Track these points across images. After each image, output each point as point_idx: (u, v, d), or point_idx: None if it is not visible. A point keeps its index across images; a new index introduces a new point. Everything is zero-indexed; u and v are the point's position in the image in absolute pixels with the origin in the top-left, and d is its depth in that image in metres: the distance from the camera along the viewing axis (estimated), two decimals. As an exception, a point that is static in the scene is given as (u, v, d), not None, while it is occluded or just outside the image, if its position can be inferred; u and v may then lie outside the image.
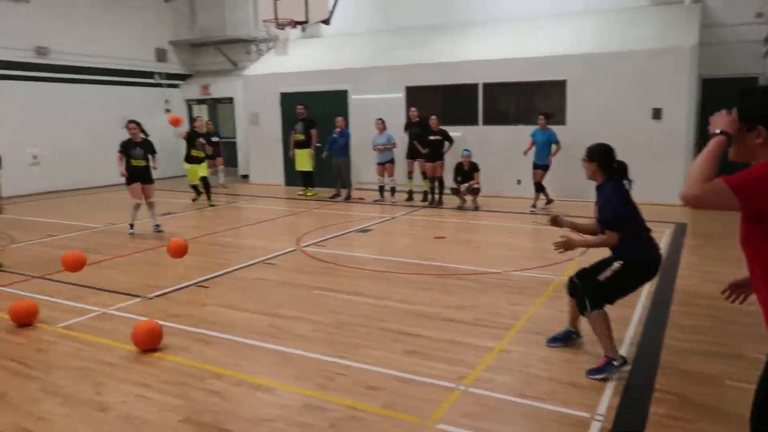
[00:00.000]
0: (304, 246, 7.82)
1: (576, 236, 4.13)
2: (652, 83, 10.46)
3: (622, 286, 3.96)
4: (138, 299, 5.63)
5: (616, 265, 3.92)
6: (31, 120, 13.14)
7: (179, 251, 5.60)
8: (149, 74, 16.29)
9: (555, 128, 11.13)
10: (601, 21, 11.68)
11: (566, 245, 3.93)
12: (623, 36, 11.06)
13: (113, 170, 15.00)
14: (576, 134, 11.09)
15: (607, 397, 3.60)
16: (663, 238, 7.82)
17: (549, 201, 10.55)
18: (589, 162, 4.03)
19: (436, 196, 11.12)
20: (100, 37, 14.84)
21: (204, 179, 11.73)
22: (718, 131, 1.97)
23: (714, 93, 11.34)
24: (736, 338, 4.47)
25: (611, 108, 10.78)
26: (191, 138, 11.71)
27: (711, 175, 1.88)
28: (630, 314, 5.02)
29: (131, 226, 8.75)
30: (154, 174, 8.92)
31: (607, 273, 3.92)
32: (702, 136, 11.15)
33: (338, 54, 14.01)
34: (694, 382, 3.78)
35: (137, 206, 8.70)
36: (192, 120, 11.60)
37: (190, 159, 11.72)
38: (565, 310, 5.15)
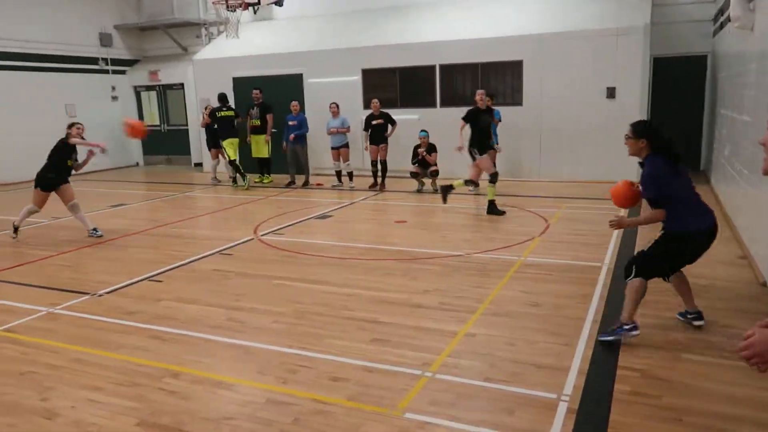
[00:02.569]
0: (262, 235, 7.62)
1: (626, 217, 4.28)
2: (606, 63, 10.56)
3: (665, 259, 4.04)
4: (87, 296, 5.36)
5: (659, 238, 4.08)
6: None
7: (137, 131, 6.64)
8: (93, 60, 15.58)
9: (512, 109, 11.19)
10: (555, 1, 11.71)
11: (618, 224, 4.14)
12: (577, 16, 11.11)
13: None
14: (533, 114, 11.18)
15: (573, 377, 3.59)
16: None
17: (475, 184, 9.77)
18: (636, 139, 4.07)
19: (379, 179, 11.03)
20: (40, 23, 14.04)
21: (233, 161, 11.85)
22: None
23: (665, 71, 11.57)
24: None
25: (566, 88, 10.85)
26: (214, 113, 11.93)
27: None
28: (591, 291, 5.06)
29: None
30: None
31: (651, 246, 4.09)
32: (653, 116, 11.42)
33: (292, 37, 13.67)
34: (655, 357, 3.81)
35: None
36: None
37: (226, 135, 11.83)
38: (527, 290, 5.18)
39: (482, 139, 8.48)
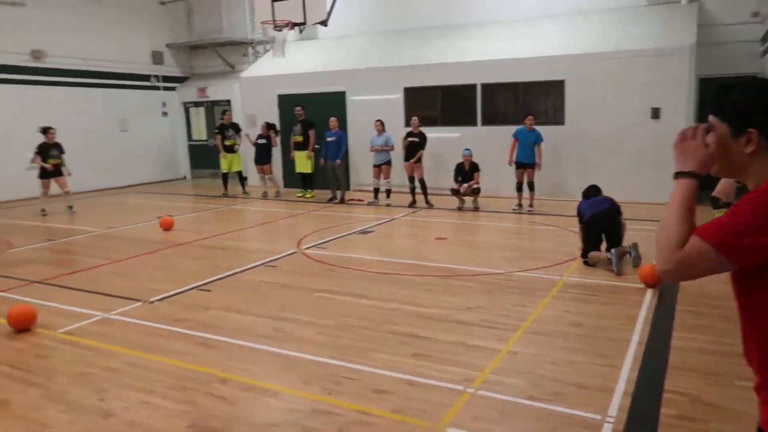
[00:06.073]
0: (306, 248, 7.77)
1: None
2: (651, 83, 10.44)
3: None
4: (139, 303, 5.57)
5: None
6: (27, 124, 13.03)
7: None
8: (146, 77, 16.23)
9: (554, 128, 11.13)
10: (600, 21, 11.67)
11: None
12: (621, 36, 11.04)
13: (111, 173, 15.00)
14: (575, 134, 11.11)
15: (618, 398, 3.56)
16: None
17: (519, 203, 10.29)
18: None
19: (419, 197, 11.07)
20: (96, 41, 14.77)
21: (239, 172, 13.50)
22: (686, 170, 1.53)
23: (712, 92, 11.35)
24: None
25: (609, 108, 10.76)
26: (222, 129, 13.31)
27: (684, 236, 1.40)
28: (636, 313, 5.00)
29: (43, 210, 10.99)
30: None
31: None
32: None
33: (336, 55, 13.97)
34: (704, 382, 3.75)
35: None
36: (222, 113, 13.92)
37: (224, 149, 13.32)
38: (569, 310, 5.15)
39: None
